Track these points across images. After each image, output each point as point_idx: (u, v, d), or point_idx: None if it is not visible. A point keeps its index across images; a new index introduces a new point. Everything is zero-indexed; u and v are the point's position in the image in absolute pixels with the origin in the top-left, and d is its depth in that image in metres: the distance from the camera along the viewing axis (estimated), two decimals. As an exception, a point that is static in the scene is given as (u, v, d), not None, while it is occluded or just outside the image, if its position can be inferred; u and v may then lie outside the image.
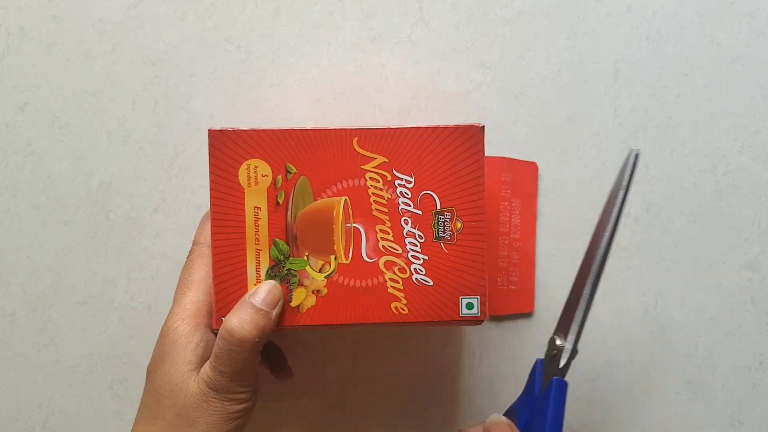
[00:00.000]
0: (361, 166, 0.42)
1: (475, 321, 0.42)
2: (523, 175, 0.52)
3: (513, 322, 0.52)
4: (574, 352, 0.41)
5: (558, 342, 0.41)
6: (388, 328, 0.44)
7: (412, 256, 0.41)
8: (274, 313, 0.40)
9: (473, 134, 0.42)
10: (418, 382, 0.53)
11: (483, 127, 0.42)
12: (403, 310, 0.41)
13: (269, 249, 0.42)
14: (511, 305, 0.52)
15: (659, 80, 0.52)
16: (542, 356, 0.42)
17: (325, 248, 0.41)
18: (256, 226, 0.42)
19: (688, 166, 0.53)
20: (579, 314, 0.41)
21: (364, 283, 0.41)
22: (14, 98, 0.52)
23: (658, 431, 0.53)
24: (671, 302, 0.53)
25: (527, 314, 0.52)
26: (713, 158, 0.52)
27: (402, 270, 0.41)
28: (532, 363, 0.43)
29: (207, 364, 0.41)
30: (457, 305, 0.41)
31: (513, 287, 0.52)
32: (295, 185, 0.42)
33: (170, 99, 0.52)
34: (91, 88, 0.52)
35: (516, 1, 0.52)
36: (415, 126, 0.42)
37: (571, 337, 0.41)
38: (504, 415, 0.44)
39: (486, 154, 0.52)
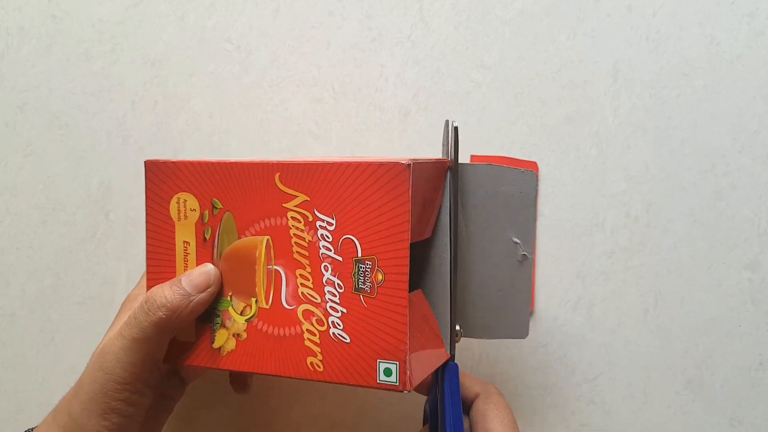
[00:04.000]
0: (283, 204, 0.38)
1: (398, 391, 0.36)
2: (523, 175, 0.52)
3: (513, 322, 0.52)
4: (453, 332, 0.40)
5: None
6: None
7: (330, 307, 0.37)
8: (198, 297, 0.38)
9: (397, 173, 0.35)
10: (418, 382, 0.53)
11: (410, 165, 0.35)
12: (318, 366, 0.37)
13: None
14: (511, 305, 0.52)
15: (659, 80, 0.52)
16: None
17: (246, 289, 0.39)
18: (185, 261, 0.40)
19: (688, 166, 0.53)
20: (446, 297, 0.40)
21: (281, 332, 0.38)
22: (14, 98, 0.52)
23: (658, 431, 0.53)
24: (671, 302, 0.53)
25: (527, 314, 0.52)
26: (713, 158, 0.52)
27: (320, 322, 0.37)
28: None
29: (122, 324, 0.40)
30: (374, 369, 0.36)
31: (513, 287, 0.52)
32: (220, 222, 0.40)
33: (170, 99, 0.52)
34: (91, 88, 0.52)
35: (516, 1, 0.52)
36: (337, 161, 0.37)
37: (446, 321, 0.40)
38: (424, 415, 0.44)
39: (486, 154, 0.52)
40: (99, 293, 0.52)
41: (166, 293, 0.38)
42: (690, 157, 0.53)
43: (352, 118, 0.52)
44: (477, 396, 0.42)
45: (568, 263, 0.52)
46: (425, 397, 0.47)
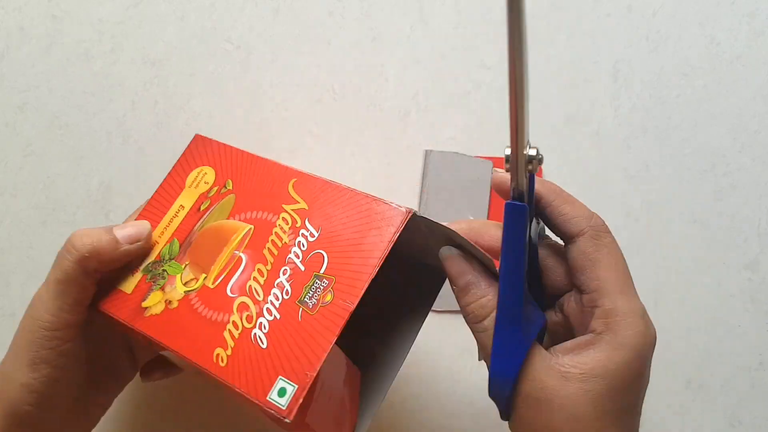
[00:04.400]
0: (282, 205, 0.40)
1: (279, 416, 0.33)
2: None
3: (513, 322, 0.52)
4: (522, 162, 0.30)
5: (506, 152, 0.30)
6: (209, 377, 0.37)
7: (266, 308, 0.37)
8: (125, 248, 0.38)
9: (392, 216, 0.36)
10: (418, 381, 0.53)
11: (411, 212, 0.36)
12: (222, 360, 0.36)
13: (164, 245, 0.41)
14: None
15: (659, 80, 0.52)
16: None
17: (204, 264, 0.39)
18: (170, 222, 0.42)
19: (688, 166, 0.53)
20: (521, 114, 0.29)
21: (210, 315, 0.38)
22: (14, 98, 0.52)
23: (658, 431, 0.53)
24: (671, 302, 0.53)
25: (527, 314, 0.52)
26: (713, 158, 0.52)
27: (249, 318, 0.37)
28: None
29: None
30: (271, 384, 0.34)
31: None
32: (221, 200, 0.41)
33: (170, 99, 0.52)
34: (91, 88, 0.52)
35: (516, 1, 0.52)
36: (351, 188, 0.38)
37: (512, 144, 0.30)
38: None
39: (487, 155, 0.52)
40: (99, 293, 0.52)
41: (93, 233, 0.38)
42: (690, 157, 0.53)
43: (352, 118, 0.52)
44: (582, 233, 0.35)
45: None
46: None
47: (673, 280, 0.53)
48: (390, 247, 0.36)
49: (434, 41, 0.52)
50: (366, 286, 0.35)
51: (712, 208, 0.53)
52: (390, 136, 0.52)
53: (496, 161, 0.52)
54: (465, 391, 0.53)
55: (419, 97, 0.52)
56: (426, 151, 0.52)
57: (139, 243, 0.39)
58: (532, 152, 0.30)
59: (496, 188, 0.37)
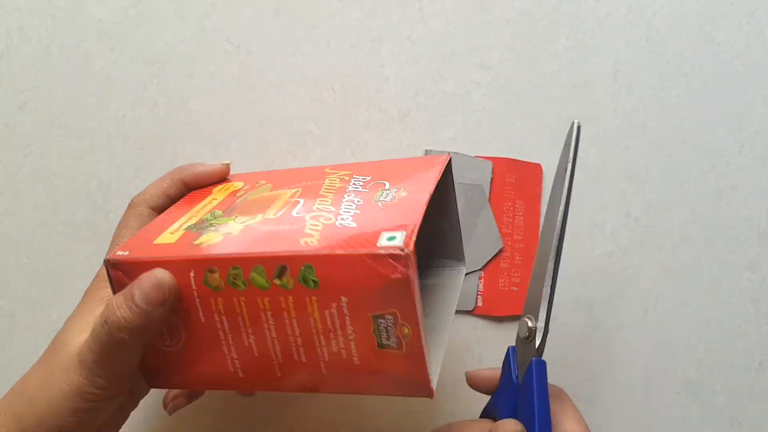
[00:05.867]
0: (326, 170, 0.42)
1: (398, 252, 0.31)
2: (527, 177, 0.52)
3: (514, 322, 0.52)
4: (546, 331, 0.39)
5: (530, 324, 0.39)
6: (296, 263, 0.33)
7: (342, 211, 0.36)
8: (158, 313, 0.35)
9: (434, 160, 0.40)
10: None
11: (450, 156, 0.38)
12: (311, 242, 0.33)
13: (204, 215, 0.39)
14: (513, 306, 0.52)
15: (659, 80, 0.52)
16: (515, 343, 0.41)
17: (257, 212, 0.38)
18: (204, 206, 0.40)
19: (688, 166, 0.53)
20: (546, 292, 0.39)
21: (281, 228, 0.35)
22: (14, 98, 0.52)
23: (657, 431, 0.53)
24: (671, 302, 0.53)
25: (527, 314, 0.52)
26: (713, 158, 0.52)
27: (327, 219, 0.35)
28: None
29: (89, 335, 0.37)
30: (376, 239, 0.32)
31: (515, 288, 0.52)
32: (257, 185, 0.42)
33: (170, 99, 0.52)
34: (91, 88, 0.52)
35: (516, 2, 0.52)
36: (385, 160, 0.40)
37: (542, 315, 0.39)
38: (485, 411, 0.43)
39: (488, 155, 0.52)
40: (99, 293, 0.52)
41: (123, 314, 0.35)
42: (690, 157, 0.53)
43: (352, 118, 0.52)
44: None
45: (568, 263, 0.52)
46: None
47: (673, 280, 0.53)
48: (442, 169, 0.39)
49: (434, 41, 0.52)
50: (440, 171, 0.39)
51: (712, 208, 0.53)
52: (390, 136, 0.52)
53: (495, 161, 0.52)
54: (465, 391, 0.53)
55: (419, 97, 0.52)
56: (426, 151, 0.52)
57: (168, 302, 0.35)
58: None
59: (474, 381, 0.46)
